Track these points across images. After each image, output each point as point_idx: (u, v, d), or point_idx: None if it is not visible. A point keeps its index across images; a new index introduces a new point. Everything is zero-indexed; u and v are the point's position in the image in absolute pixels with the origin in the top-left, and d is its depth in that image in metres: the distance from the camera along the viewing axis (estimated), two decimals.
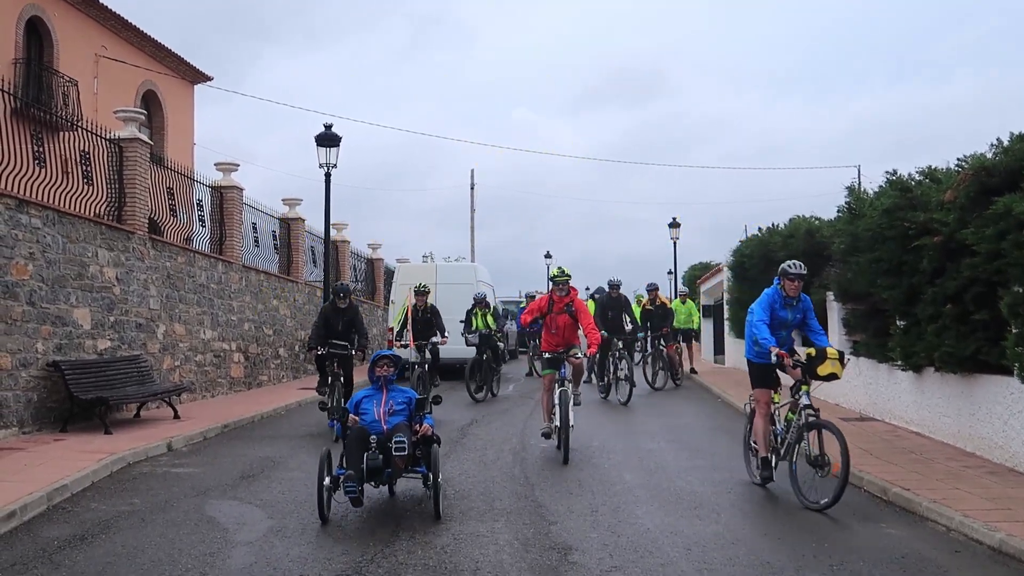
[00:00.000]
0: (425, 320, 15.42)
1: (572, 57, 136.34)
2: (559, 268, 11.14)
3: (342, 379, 13.01)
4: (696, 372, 22.25)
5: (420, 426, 7.78)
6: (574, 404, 10.68)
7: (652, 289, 19.36)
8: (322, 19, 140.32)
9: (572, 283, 14.37)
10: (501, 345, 18.70)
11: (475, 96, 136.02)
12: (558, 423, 10.34)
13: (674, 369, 19.66)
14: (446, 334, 15.71)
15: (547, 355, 10.91)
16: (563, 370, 10.74)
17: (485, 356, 17.07)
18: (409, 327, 12.74)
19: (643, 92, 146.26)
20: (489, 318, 17.48)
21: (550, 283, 11.11)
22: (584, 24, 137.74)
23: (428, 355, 15.55)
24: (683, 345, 21.93)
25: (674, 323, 20.90)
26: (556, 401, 10.48)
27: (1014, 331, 8.86)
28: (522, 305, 26.33)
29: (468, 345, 17.42)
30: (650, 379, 18.72)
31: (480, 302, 17.61)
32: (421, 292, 15.45)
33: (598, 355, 16.66)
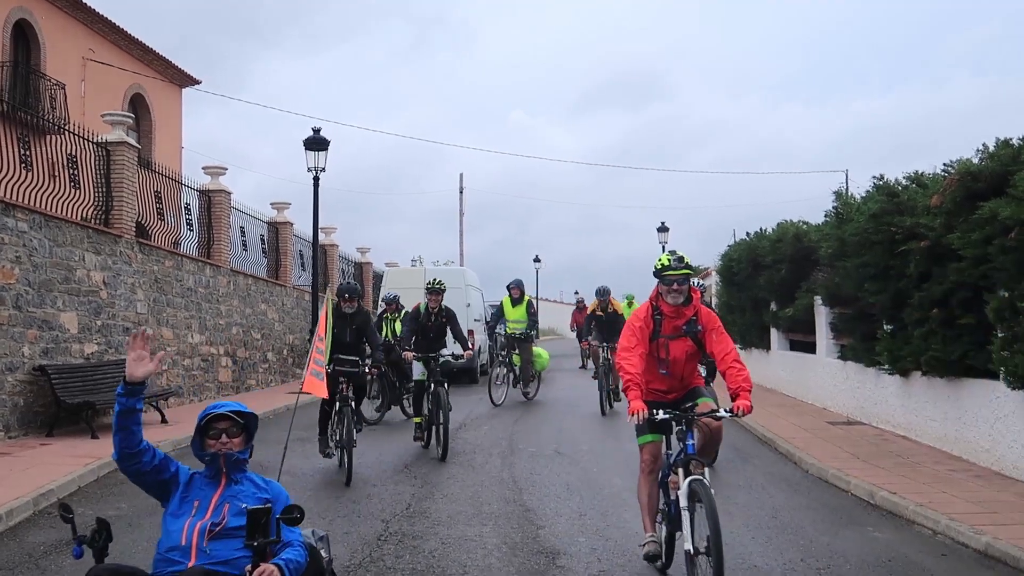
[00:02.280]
0: (438, 326, 11.78)
1: (570, 60, 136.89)
2: (671, 253, 6.01)
3: (353, 404, 10.12)
4: None
5: (259, 567, 3.70)
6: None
7: (603, 297, 16.39)
8: (322, 21, 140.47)
9: (523, 288, 13.42)
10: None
11: (473, 99, 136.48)
12: (691, 545, 5.50)
13: None
14: (469, 346, 12.25)
15: (653, 414, 5.67)
16: (690, 441, 5.71)
17: (385, 370, 13.92)
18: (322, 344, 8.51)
19: (641, 96, 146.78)
20: (397, 324, 14.84)
21: (657, 281, 6.09)
22: (584, 27, 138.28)
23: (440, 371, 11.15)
24: None
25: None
26: (684, 502, 5.54)
27: (1000, 335, 8.91)
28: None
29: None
30: (602, 403, 15.05)
31: (390, 303, 15.40)
32: (435, 290, 11.84)
33: None
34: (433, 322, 11.72)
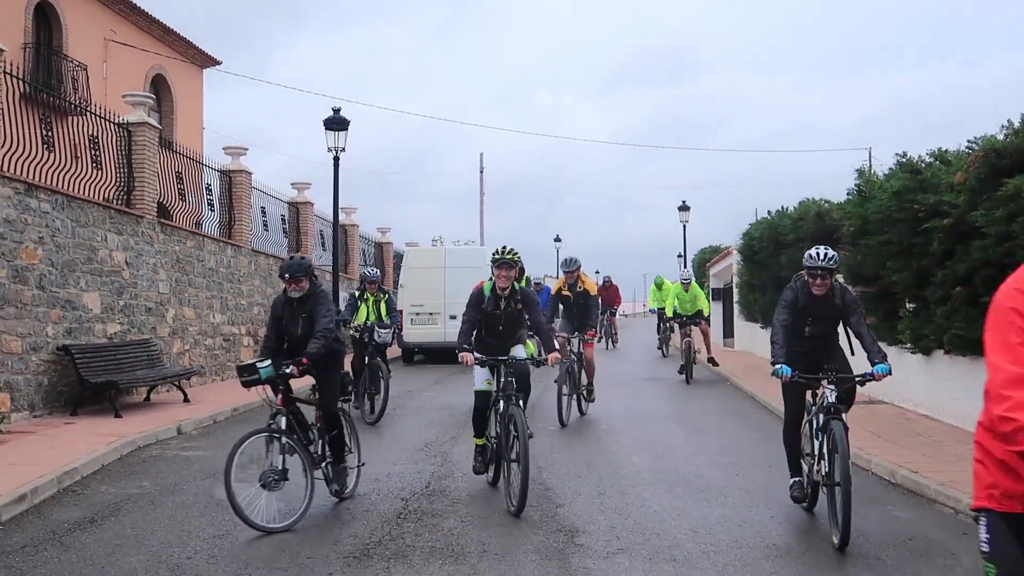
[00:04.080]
0: (511, 316, 8.16)
1: (601, 37, 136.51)
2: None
3: (313, 434, 7.31)
4: (717, 364, 19.02)
5: None
6: None
7: (571, 270, 12.34)
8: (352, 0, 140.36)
9: (521, 265, 9.11)
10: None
11: (502, 79, 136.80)
12: None
13: (688, 365, 17.03)
14: (556, 344, 9.09)
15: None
16: None
17: (371, 361, 12.23)
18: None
19: (671, 75, 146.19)
20: (382, 306, 12.52)
21: None
22: (617, 4, 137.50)
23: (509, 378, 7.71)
24: (695, 331, 18.09)
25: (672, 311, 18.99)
26: None
27: None
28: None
29: (375, 343, 12.41)
30: (563, 412, 11.51)
31: (371, 281, 12.71)
32: (506, 262, 7.87)
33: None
34: (503, 309, 8.06)
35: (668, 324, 20.85)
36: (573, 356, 12.02)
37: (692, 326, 17.79)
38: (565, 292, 12.34)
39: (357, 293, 12.90)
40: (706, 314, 18.50)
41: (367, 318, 12.45)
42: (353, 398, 10.54)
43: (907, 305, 11.95)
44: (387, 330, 12.52)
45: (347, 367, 7.22)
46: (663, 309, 22.98)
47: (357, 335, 12.45)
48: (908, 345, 11.82)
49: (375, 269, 13.57)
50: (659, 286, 24.69)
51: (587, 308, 12.32)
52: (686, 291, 18.56)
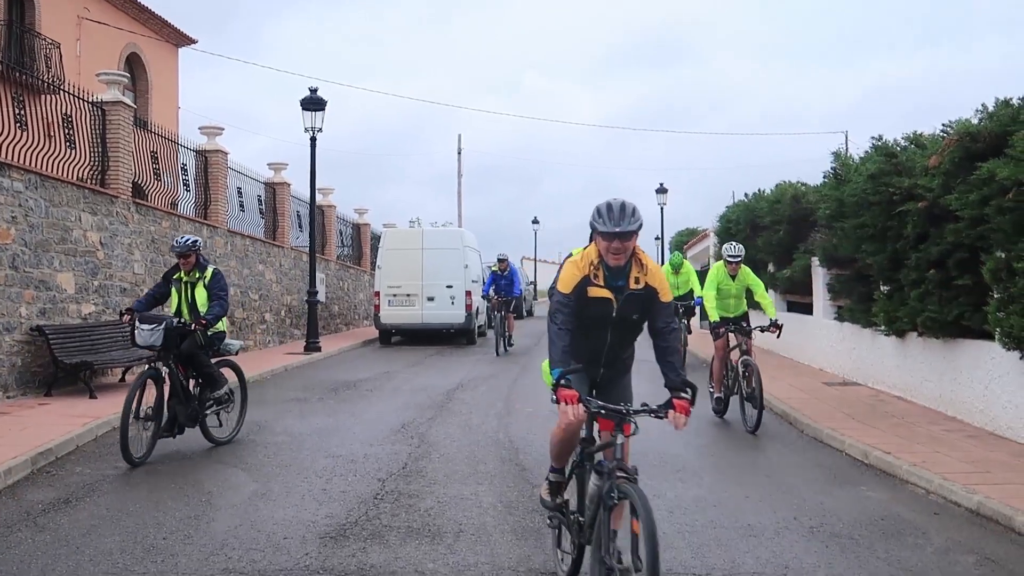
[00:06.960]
0: (634, 301, 4.72)
1: (594, 17, 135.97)
2: None
3: None
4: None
5: None
6: None
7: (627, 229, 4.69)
8: None
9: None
10: (236, 345, 9.50)
11: (494, 61, 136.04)
12: None
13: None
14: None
15: None
16: None
17: (167, 368, 8.48)
18: None
19: (666, 57, 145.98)
20: (199, 290, 8.89)
21: None
22: None
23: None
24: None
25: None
26: None
27: (996, 296, 8.92)
28: (493, 268, 21.41)
29: (135, 344, 8.70)
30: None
31: (182, 254, 8.83)
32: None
33: None
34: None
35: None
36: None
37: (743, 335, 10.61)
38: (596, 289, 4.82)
39: (167, 272, 9.24)
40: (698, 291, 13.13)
41: (178, 310, 8.94)
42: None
43: (881, 287, 12.05)
44: (222, 338, 9.14)
45: None
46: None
47: (154, 336, 8.38)
48: (882, 327, 11.93)
49: (188, 237, 8.99)
50: (676, 269, 16.16)
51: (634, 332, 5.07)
52: (677, 274, 15.02)
